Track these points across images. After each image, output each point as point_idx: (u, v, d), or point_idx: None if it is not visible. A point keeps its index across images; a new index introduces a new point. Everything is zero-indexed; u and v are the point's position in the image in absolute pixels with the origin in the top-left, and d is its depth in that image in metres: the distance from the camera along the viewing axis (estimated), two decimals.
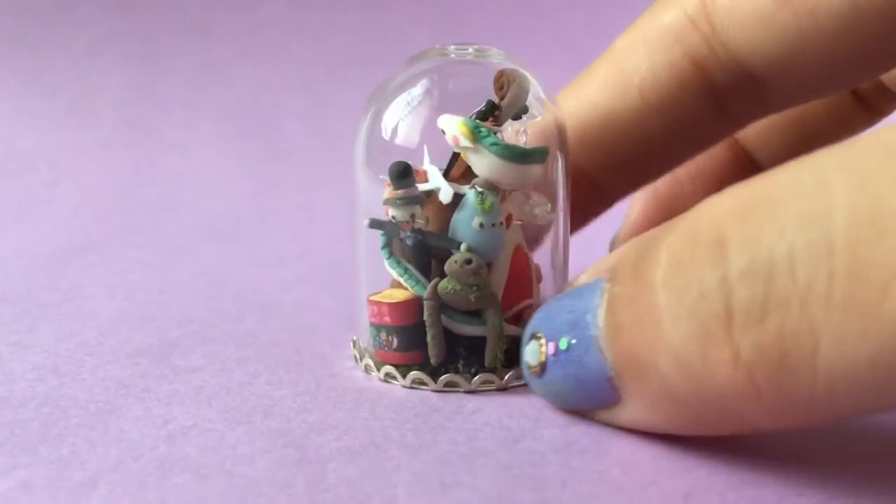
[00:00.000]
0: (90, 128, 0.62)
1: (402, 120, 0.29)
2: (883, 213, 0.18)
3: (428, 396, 0.28)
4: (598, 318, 0.24)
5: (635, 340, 0.23)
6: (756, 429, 0.23)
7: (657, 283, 0.22)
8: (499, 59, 0.30)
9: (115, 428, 0.26)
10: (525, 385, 0.28)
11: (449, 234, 0.29)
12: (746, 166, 0.37)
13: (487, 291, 0.28)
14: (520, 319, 0.29)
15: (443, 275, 0.28)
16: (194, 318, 0.37)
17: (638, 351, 0.23)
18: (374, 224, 0.29)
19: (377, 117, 0.30)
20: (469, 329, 0.29)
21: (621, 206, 0.38)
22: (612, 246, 0.38)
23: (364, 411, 0.27)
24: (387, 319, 0.29)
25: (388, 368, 0.29)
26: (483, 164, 0.28)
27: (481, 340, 0.29)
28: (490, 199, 0.28)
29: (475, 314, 0.29)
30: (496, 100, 0.28)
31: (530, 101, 0.29)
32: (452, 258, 0.28)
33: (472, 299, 0.28)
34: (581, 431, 0.26)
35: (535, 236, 0.30)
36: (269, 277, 0.44)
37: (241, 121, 0.64)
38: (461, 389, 0.29)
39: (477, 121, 0.28)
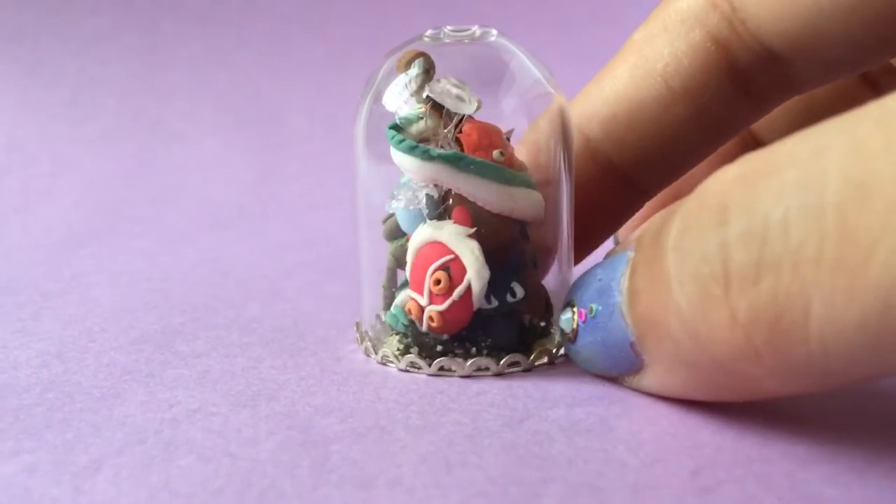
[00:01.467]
0: (92, 118, 0.62)
1: (401, 104, 0.29)
2: (872, 177, 0.18)
3: (433, 379, 0.28)
4: (622, 285, 0.25)
5: (651, 305, 0.24)
6: (767, 393, 0.23)
7: (668, 247, 0.23)
8: (497, 39, 0.30)
9: (120, 412, 0.26)
10: (522, 371, 0.29)
11: None
12: (752, 147, 0.37)
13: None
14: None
15: None
16: (198, 305, 0.37)
17: (654, 315, 0.24)
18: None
19: (375, 102, 0.30)
20: None
21: None
22: (616, 239, 0.38)
23: (368, 394, 0.27)
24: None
25: (385, 351, 0.29)
26: None
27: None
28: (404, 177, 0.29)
29: None
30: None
31: (530, 86, 0.29)
32: None
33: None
34: (586, 411, 0.26)
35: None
36: (272, 264, 0.44)
37: (242, 110, 0.64)
38: (455, 374, 0.29)
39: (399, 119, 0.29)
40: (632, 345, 0.25)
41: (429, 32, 0.30)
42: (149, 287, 0.40)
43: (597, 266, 0.27)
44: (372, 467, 0.23)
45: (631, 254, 0.25)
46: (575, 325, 0.27)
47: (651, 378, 0.26)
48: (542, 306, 0.30)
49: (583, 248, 0.33)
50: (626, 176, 0.31)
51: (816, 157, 0.19)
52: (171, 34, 0.66)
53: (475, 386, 0.28)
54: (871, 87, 0.35)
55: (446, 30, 0.30)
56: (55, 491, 0.22)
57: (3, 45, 0.64)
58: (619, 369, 0.27)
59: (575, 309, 0.27)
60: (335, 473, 0.22)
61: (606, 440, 0.24)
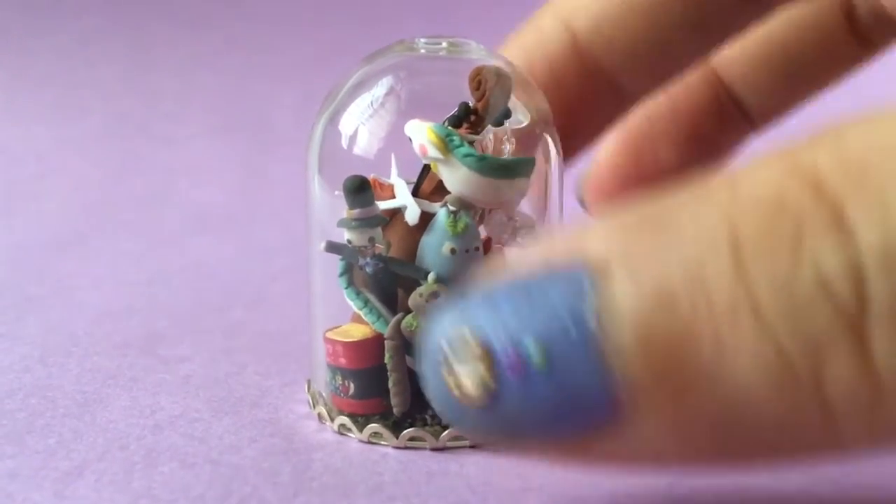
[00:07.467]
0: (78, 120, 0.62)
1: (361, 125, 0.25)
2: None
3: None
4: (599, 305, 0.16)
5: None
6: (826, 455, 0.17)
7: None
8: (478, 53, 0.26)
9: (102, 418, 0.26)
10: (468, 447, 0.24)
11: (416, 261, 0.24)
12: (725, 103, 0.34)
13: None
14: None
15: (409, 309, 0.24)
16: (182, 310, 0.37)
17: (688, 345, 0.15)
18: (332, 248, 0.25)
19: (333, 121, 0.26)
20: None
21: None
22: (578, 185, 0.35)
23: None
24: (342, 361, 0.25)
25: (343, 419, 0.25)
26: (455, 178, 0.24)
27: None
28: (464, 220, 0.24)
29: None
30: (471, 103, 0.25)
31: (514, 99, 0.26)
32: (417, 291, 0.24)
33: None
34: None
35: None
36: (258, 269, 0.44)
37: (230, 113, 0.64)
38: (427, 446, 0.24)
39: (449, 128, 0.24)
40: (606, 389, 0.16)
41: (405, 40, 0.27)
42: (133, 291, 0.40)
43: (531, 284, 0.17)
44: (353, 475, 0.23)
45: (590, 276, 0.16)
46: (492, 382, 0.17)
47: (641, 431, 0.16)
48: None
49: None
50: (614, 80, 0.29)
51: None
52: (158, 36, 0.65)
53: None
54: (857, 37, 0.33)
55: (420, 40, 0.26)
56: (37, 496, 0.22)
57: None
58: (576, 425, 0.17)
59: (490, 357, 0.17)
60: (317, 481, 0.22)
61: None
